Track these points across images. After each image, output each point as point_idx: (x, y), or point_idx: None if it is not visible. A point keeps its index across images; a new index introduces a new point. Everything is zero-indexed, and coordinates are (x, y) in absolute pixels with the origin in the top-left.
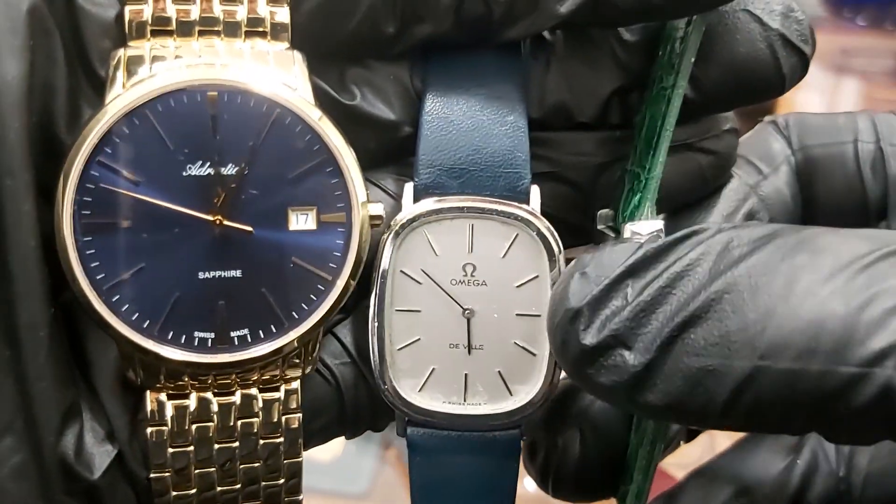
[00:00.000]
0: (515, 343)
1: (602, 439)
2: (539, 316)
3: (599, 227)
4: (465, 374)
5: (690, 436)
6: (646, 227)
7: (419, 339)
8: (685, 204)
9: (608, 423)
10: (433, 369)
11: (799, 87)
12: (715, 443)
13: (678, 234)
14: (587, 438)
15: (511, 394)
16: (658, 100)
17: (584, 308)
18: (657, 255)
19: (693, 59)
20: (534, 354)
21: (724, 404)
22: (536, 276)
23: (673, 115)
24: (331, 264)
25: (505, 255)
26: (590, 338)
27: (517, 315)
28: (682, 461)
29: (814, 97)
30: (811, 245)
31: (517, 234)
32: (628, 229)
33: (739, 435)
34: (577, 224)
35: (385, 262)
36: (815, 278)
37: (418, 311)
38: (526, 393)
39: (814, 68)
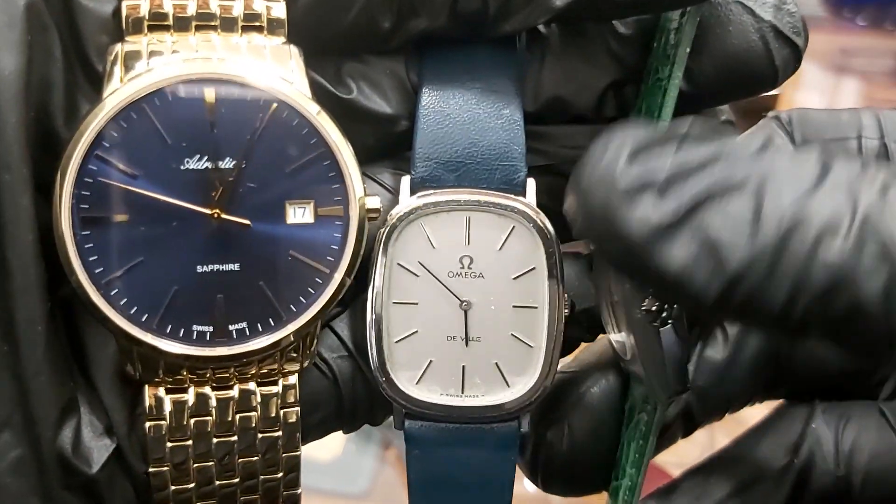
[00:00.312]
0: (513, 335)
1: (590, 433)
2: (536, 308)
3: None
4: (463, 367)
5: (687, 431)
6: None
7: (417, 331)
8: None
9: (597, 418)
10: (431, 361)
11: (799, 86)
12: (714, 442)
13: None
14: (575, 432)
15: (508, 385)
16: (654, 91)
17: (628, 148)
18: (707, 134)
19: (688, 50)
20: (531, 346)
21: (732, 278)
22: (533, 269)
23: (670, 106)
24: (328, 258)
25: (502, 247)
26: (625, 175)
27: (514, 307)
28: (682, 460)
29: (814, 97)
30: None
31: (514, 227)
32: None
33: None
34: None
35: (382, 255)
36: (849, 172)
37: (416, 304)
38: (523, 385)
39: (814, 68)
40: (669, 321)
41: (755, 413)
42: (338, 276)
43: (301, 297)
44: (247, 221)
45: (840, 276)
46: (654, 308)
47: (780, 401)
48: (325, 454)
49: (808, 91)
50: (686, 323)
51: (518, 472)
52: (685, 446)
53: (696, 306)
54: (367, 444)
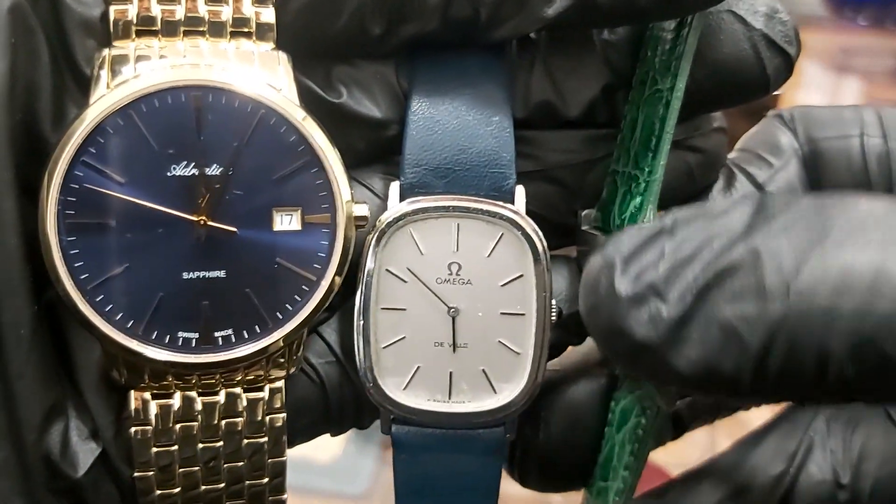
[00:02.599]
0: (500, 342)
1: (567, 431)
2: (523, 315)
3: (584, 227)
4: (450, 373)
5: (676, 434)
6: None
7: (404, 337)
8: (672, 203)
9: (575, 416)
10: (418, 367)
11: (800, 86)
12: (715, 444)
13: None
14: (551, 429)
15: (495, 392)
16: (653, 102)
17: (619, 260)
18: (693, 217)
19: (691, 62)
20: (518, 353)
21: (758, 356)
22: (521, 276)
23: (673, 117)
24: (315, 265)
25: (490, 254)
26: (625, 287)
27: (502, 314)
28: (682, 461)
29: (815, 96)
30: (843, 202)
31: (502, 234)
32: None
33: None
34: (562, 223)
35: (370, 261)
36: (849, 228)
37: (403, 310)
38: (510, 391)
39: (815, 67)
40: None
41: (760, 415)
42: (325, 284)
43: (287, 305)
44: (233, 228)
45: (862, 334)
46: None
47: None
48: (324, 455)
49: (809, 90)
50: None
51: None
52: (686, 447)
53: (735, 394)
54: (367, 444)
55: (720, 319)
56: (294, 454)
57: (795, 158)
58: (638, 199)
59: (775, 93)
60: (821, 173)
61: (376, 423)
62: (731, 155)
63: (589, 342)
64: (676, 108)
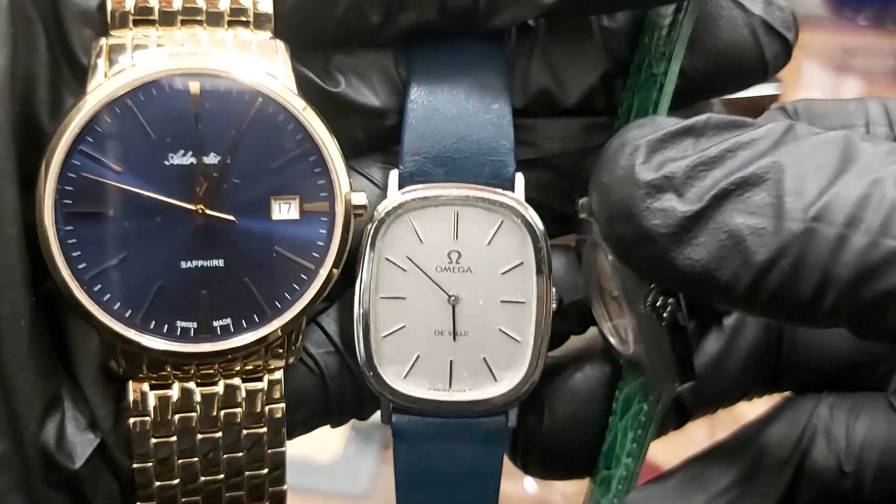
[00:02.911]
0: (500, 330)
1: (570, 418)
2: (524, 303)
3: (582, 216)
4: (451, 361)
5: (679, 423)
6: None
7: (404, 326)
8: None
9: (578, 403)
10: (418, 356)
11: (800, 85)
12: (716, 437)
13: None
14: (554, 416)
15: (496, 380)
16: (648, 87)
17: (644, 145)
18: (723, 124)
19: (685, 46)
20: (518, 341)
21: (760, 270)
22: (521, 263)
23: (666, 101)
24: (314, 254)
25: (490, 242)
26: (644, 173)
27: (502, 302)
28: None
29: (814, 96)
30: (870, 137)
31: (502, 222)
32: None
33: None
34: (560, 211)
35: (370, 250)
36: (874, 157)
37: (403, 299)
38: (511, 379)
39: (814, 67)
40: (674, 314)
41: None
42: (323, 273)
43: (286, 294)
44: (231, 217)
45: (868, 266)
46: (658, 302)
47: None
48: (324, 454)
49: (809, 90)
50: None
51: (518, 471)
52: (684, 446)
53: (724, 300)
54: (367, 444)
55: (732, 227)
56: (294, 454)
57: None
58: None
59: (775, 93)
60: None
61: (377, 423)
62: None
63: (591, 331)
64: (670, 91)
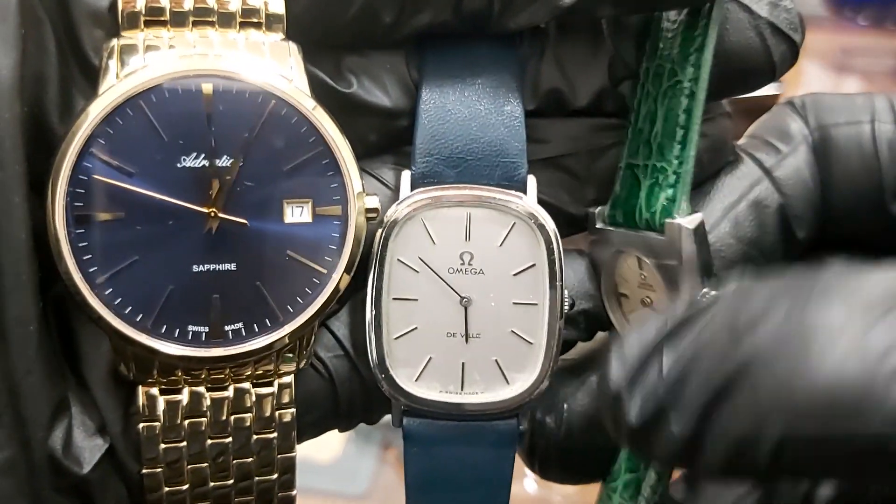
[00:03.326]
0: (512, 331)
1: (589, 422)
2: (536, 304)
3: (598, 226)
4: (463, 363)
5: None
6: (688, 222)
7: (416, 328)
8: None
9: (595, 406)
10: (430, 358)
11: (800, 86)
12: None
13: (697, 300)
14: (573, 419)
15: (508, 382)
16: (675, 94)
17: (623, 390)
18: (684, 323)
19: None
20: (531, 343)
21: (768, 467)
22: (533, 265)
23: (699, 108)
24: (326, 257)
25: (502, 243)
26: (634, 417)
27: (514, 304)
28: None
29: None
30: (825, 295)
31: (514, 223)
32: (673, 224)
33: None
34: (571, 212)
35: (382, 251)
36: (830, 335)
37: (415, 300)
38: (523, 381)
39: (815, 68)
40: None
41: None
42: (335, 277)
43: (298, 298)
44: (244, 220)
45: (855, 450)
46: None
47: None
48: (324, 455)
49: (809, 90)
50: None
51: (518, 471)
52: None
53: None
54: (367, 444)
55: (727, 439)
56: None
57: (804, 145)
58: (669, 191)
59: (775, 93)
60: (831, 160)
61: (377, 423)
62: (741, 141)
63: (600, 336)
64: (702, 98)
